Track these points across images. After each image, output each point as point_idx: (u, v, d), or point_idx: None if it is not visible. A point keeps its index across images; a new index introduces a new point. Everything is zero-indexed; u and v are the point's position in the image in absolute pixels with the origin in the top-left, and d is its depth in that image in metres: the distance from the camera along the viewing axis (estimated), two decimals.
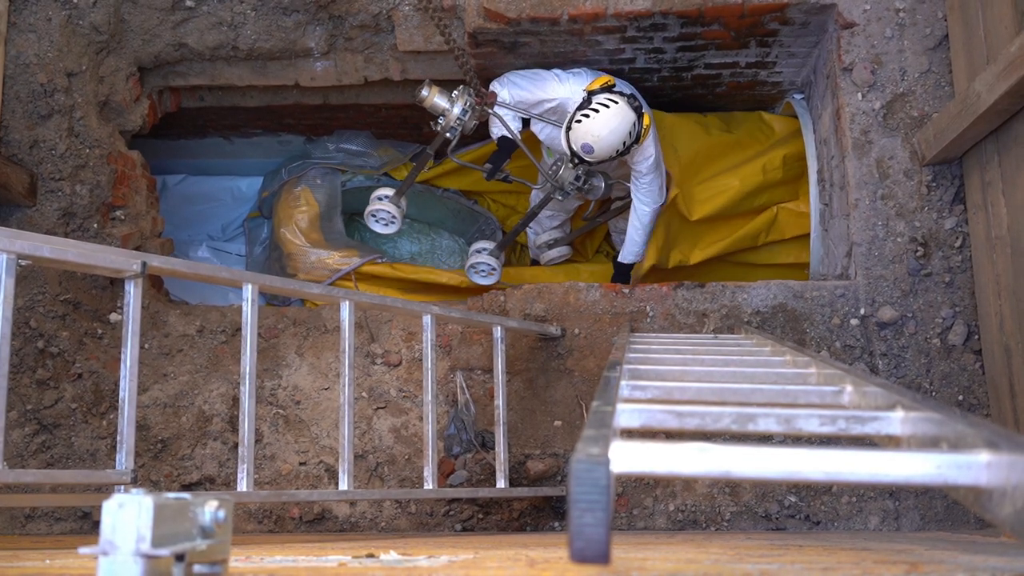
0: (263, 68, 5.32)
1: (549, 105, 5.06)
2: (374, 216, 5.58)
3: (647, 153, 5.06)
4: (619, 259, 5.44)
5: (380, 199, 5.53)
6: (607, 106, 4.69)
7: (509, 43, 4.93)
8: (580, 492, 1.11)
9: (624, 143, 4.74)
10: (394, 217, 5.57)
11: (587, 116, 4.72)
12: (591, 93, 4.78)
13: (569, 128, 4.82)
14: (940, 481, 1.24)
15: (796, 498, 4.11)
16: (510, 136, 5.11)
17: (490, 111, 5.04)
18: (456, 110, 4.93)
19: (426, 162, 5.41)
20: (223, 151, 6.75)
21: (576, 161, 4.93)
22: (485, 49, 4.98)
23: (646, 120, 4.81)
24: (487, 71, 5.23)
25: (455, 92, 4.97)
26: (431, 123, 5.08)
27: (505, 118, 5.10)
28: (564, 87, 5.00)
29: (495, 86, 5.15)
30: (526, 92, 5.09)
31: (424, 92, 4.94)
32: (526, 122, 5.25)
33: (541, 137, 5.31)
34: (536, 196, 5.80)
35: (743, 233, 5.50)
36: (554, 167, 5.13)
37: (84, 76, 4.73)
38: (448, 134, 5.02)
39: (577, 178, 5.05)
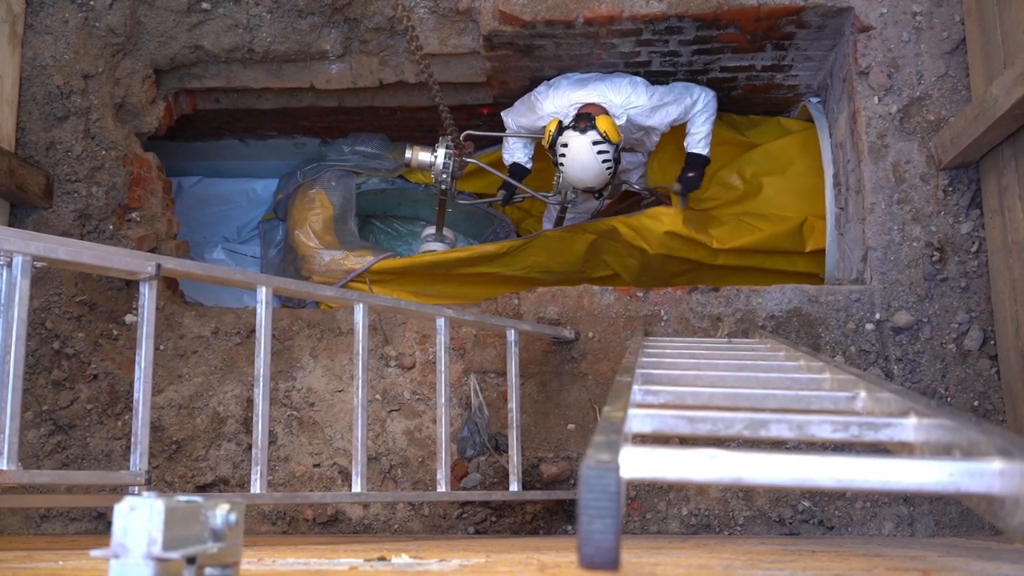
0: (278, 70, 5.33)
1: (544, 123, 5.16)
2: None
3: (661, 118, 5.12)
4: (695, 151, 5.24)
5: (428, 240, 5.99)
6: (564, 155, 4.88)
7: (524, 46, 4.93)
8: (590, 498, 1.11)
9: (607, 162, 4.85)
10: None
11: (561, 171, 5.00)
12: (549, 148, 4.98)
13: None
14: (953, 489, 1.23)
15: (810, 503, 4.10)
16: (521, 163, 5.46)
17: (468, 159, 5.41)
18: (439, 163, 5.30)
19: (445, 207, 5.77)
20: (238, 153, 6.77)
21: (598, 195, 5.19)
22: (500, 52, 4.99)
23: (603, 124, 4.82)
24: (502, 74, 5.24)
25: (436, 144, 5.33)
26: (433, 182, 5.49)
27: (516, 145, 5.37)
28: (548, 103, 5.12)
29: (504, 116, 5.42)
30: (524, 118, 5.31)
31: (408, 155, 5.37)
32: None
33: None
34: (551, 208, 5.86)
35: (771, 233, 5.41)
36: (555, 181, 5.25)
37: (100, 78, 4.75)
38: (442, 185, 5.39)
39: (574, 189, 5.15)
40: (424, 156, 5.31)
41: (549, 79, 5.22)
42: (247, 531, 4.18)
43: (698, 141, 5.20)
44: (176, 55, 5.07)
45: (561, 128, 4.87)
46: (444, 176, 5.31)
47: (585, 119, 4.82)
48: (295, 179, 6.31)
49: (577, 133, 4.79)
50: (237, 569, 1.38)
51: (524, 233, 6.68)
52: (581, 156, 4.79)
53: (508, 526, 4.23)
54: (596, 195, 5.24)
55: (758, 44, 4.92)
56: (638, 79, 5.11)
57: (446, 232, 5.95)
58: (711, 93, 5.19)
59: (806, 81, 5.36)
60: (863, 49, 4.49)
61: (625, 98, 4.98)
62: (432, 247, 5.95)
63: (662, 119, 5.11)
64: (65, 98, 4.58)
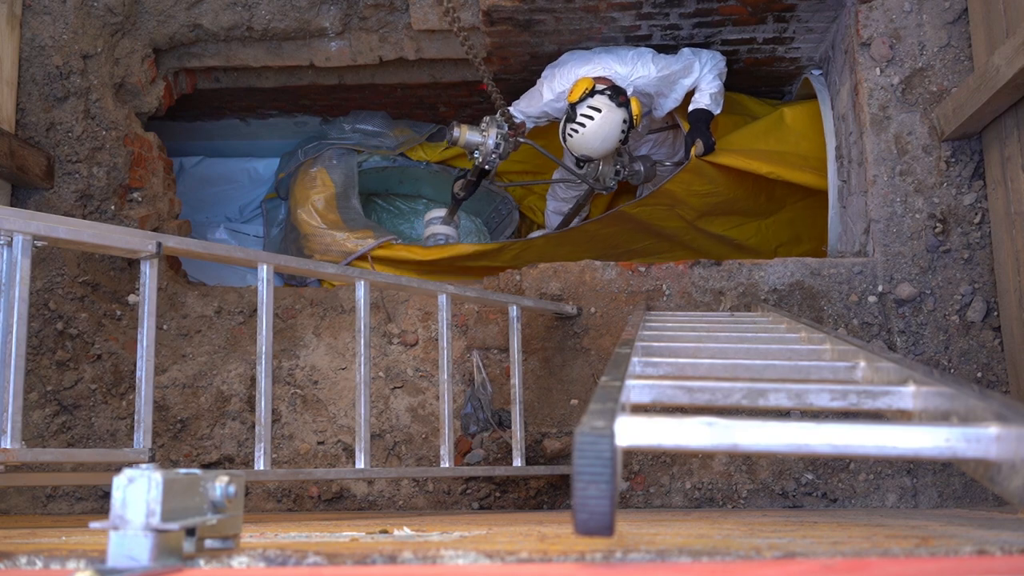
0: (278, 49, 5.31)
1: (557, 105, 5.09)
2: (432, 238, 5.87)
3: (669, 86, 5.07)
4: (700, 107, 5.09)
5: (434, 223, 5.87)
6: (591, 118, 4.78)
7: (524, 21, 4.91)
8: (583, 464, 1.11)
9: (620, 140, 4.82)
10: (451, 237, 5.87)
11: (575, 131, 4.83)
12: (573, 105, 4.84)
13: (564, 140, 4.93)
14: (949, 454, 1.23)
15: (813, 476, 4.10)
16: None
17: (523, 140, 5.13)
18: (490, 143, 5.03)
19: (471, 193, 5.56)
20: (240, 132, 6.76)
21: (584, 163, 5.07)
22: (500, 27, 4.96)
23: (635, 107, 4.84)
24: (502, 50, 5.22)
25: (483, 124, 5.07)
26: (468, 156, 5.18)
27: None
28: (557, 83, 5.05)
29: (510, 110, 5.23)
30: (532, 107, 5.18)
31: (455, 133, 5.07)
32: None
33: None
34: (562, 173, 5.77)
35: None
36: (588, 167, 5.17)
37: (99, 58, 4.74)
38: (487, 166, 5.13)
39: (617, 172, 5.11)
40: (472, 137, 5.04)
41: (549, 55, 5.18)
42: (252, 509, 4.21)
43: (706, 96, 5.09)
44: (175, 34, 5.05)
45: (594, 91, 4.81)
46: (494, 157, 5.05)
47: (624, 94, 4.82)
48: (296, 158, 6.30)
49: (614, 104, 4.76)
50: (237, 541, 1.39)
51: (527, 211, 6.67)
52: (607, 126, 4.76)
53: (512, 501, 4.25)
54: (624, 174, 5.17)
55: (759, 16, 4.89)
56: (645, 49, 5.05)
57: (452, 221, 5.88)
58: (719, 55, 5.14)
59: (808, 53, 5.33)
60: (864, 20, 4.47)
61: (631, 69, 4.95)
62: (438, 231, 5.89)
63: (670, 87, 5.06)
64: (64, 78, 4.57)
